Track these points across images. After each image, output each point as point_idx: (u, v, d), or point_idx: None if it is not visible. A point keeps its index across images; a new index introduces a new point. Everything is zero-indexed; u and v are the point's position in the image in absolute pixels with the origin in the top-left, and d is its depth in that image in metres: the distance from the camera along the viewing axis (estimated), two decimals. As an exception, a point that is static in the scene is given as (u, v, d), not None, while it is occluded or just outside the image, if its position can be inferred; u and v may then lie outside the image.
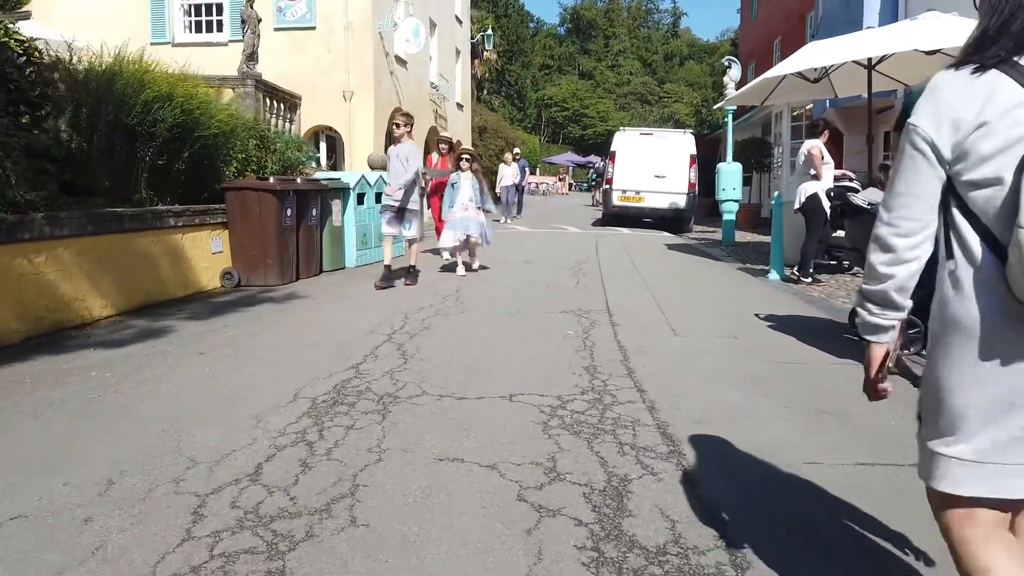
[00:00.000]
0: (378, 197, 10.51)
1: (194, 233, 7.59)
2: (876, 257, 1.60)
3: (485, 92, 51.58)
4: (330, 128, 16.57)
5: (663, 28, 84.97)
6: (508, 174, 18.84)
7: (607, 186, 17.07)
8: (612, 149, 17.11)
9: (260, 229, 7.96)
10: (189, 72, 8.11)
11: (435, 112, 21.07)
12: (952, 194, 1.52)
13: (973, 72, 1.47)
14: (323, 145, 17.11)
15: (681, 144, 16.70)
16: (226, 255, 8.12)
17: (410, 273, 8.36)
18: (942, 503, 1.58)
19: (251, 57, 14.36)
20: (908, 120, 1.55)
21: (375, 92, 16.10)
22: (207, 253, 7.84)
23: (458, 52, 24.14)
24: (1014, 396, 1.44)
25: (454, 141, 9.43)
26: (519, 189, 19.58)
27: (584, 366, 4.66)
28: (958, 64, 1.53)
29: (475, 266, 9.28)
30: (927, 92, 1.55)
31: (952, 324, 1.51)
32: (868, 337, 1.65)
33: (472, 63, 34.82)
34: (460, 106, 24.45)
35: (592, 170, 48.18)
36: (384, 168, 12.09)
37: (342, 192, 9.59)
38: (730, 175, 13.43)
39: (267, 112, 14.75)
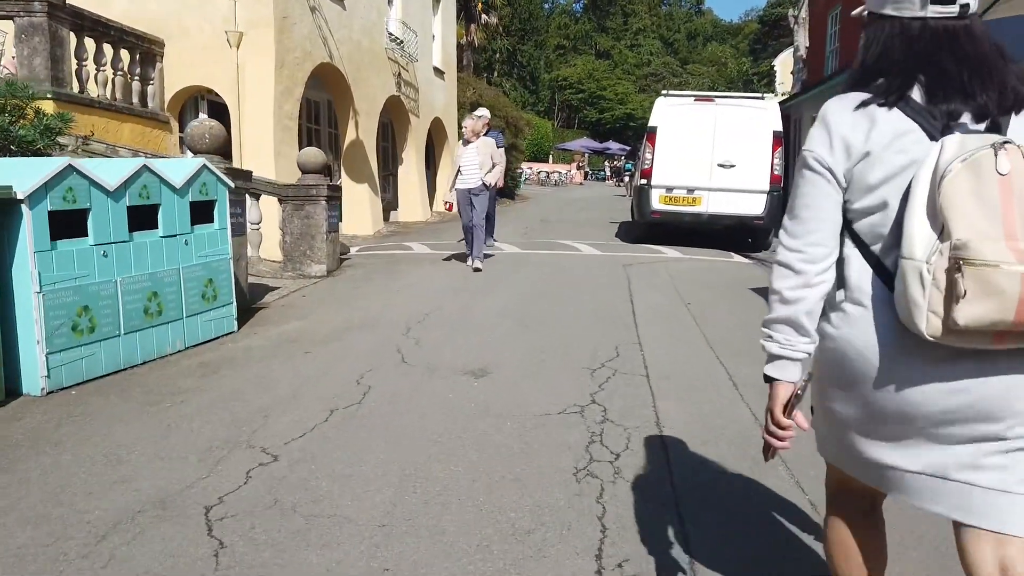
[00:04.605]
0: (137, 218, 4.59)
1: None
2: (783, 283, 1.52)
3: (496, 74, 45.75)
4: (210, 91, 10.67)
5: (685, 5, 79.60)
6: (470, 161, 8.46)
7: (643, 181, 10.99)
8: (651, 124, 11.01)
9: None
10: None
11: (397, 76, 15.12)
12: (843, 222, 1.51)
13: (859, 105, 1.47)
14: (204, 117, 11.21)
15: (758, 116, 10.60)
16: None
17: None
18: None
19: (43, -34, 8.46)
20: (803, 148, 1.53)
21: (277, 34, 10.16)
22: None
23: (437, 0, 18.12)
24: (904, 420, 1.42)
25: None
26: (491, 196, 8.90)
27: None
28: (845, 91, 1.53)
29: None
30: (818, 121, 1.53)
31: (843, 352, 1.47)
32: (773, 373, 1.54)
33: (468, 28, 28.85)
34: (440, 72, 18.46)
35: (624, 157, 42.03)
36: (213, 150, 6.22)
37: (-11, 210, 3.69)
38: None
39: (87, 62, 8.88)
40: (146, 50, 9.97)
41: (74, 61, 8.76)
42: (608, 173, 46.21)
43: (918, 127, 1.40)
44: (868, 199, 1.44)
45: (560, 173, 38.88)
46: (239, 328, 5.51)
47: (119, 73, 9.42)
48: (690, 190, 10.70)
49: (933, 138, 1.38)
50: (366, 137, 13.63)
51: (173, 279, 4.85)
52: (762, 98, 11.07)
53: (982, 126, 1.39)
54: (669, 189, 10.79)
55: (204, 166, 5.12)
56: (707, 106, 10.88)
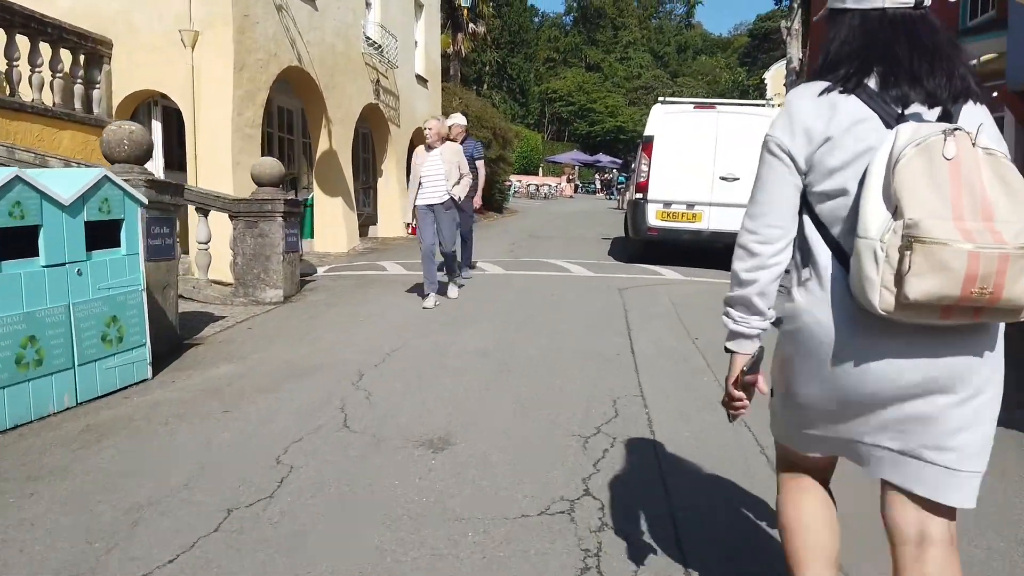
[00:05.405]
0: (8, 243, 3.60)
1: None
2: (740, 264, 1.59)
3: (485, 86, 44.96)
4: (164, 95, 9.71)
5: (675, 19, 79.79)
6: (433, 171, 6.98)
7: (638, 195, 10.08)
8: (647, 133, 10.10)
9: None
10: None
11: (376, 83, 14.20)
12: (804, 205, 1.54)
13: (821, 92, 1.51)
14: (157, 125, 10.24)
15: (763, 125, 9.71)
16: None
17: None
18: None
19: (-39, -50, 7.48)
20: (766, 133, 1.57)
21: (237, 34, 9.22)
22: None
23: (420, 5, 17.24)
24: (862, 395, 1.46)
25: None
26: (465, 216, 8.05)
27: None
28: (811, 80, 1.56)
29: None
30: (782, 109, 1.57)
31: (804, 332, 1.51)
32: (731, 347, 1.65)
33: (455, 38, 28.02)
34: (423, 80, 17.56)
35: (617, 170, 41.18)
36: (135, 159, 5.24)
37: None
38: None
39: (19, 63, 7.89)
40: (91, 50, 9.00)
41: (3, 61, 7.79)
42: (599, 186, 45.47)
43: (875, 114, 1.44)
44: (828, 183, 1.48)
45: (550, 186, 38.03)
46: (156, 374, 4.53)
47: (59, 75, 8.45)
48: (690, 205, 9.79)
49: (889, 125, 1.42)
50: (341, 147, 12.68)
51: (59, 319, 3.86)
52: (765, 105, 10.19)
53: (935, 114, 1.43)
54: (667, 204, 9.87)
55: (105, 177, 4.14)
56: (708, 114, 9.99)
